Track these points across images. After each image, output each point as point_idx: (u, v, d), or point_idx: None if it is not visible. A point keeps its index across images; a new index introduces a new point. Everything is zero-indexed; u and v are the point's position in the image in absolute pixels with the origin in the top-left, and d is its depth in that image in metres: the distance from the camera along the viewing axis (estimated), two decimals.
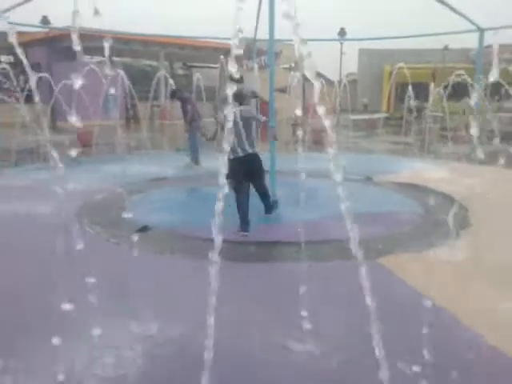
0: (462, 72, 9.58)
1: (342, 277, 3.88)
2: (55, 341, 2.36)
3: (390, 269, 3.93)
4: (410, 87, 10.89)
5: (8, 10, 8.69)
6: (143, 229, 4.85)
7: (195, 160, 9.08)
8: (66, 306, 2.80)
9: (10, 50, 22.39)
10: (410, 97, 10.86)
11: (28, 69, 2.23)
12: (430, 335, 2.58)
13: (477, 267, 3.94)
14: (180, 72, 31.37)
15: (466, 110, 12.30)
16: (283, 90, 15.19)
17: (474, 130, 2.06)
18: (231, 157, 4.82)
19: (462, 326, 2.97)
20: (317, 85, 1.53)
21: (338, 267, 4.09)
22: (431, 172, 8.51)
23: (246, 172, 5.07)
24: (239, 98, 5.16)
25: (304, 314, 2.80)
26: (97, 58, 22.29)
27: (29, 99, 9.39)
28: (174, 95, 9.73)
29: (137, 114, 12.64)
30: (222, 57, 12.90)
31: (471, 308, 3.21)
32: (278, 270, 4.10)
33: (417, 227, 5.36)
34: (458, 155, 9.90)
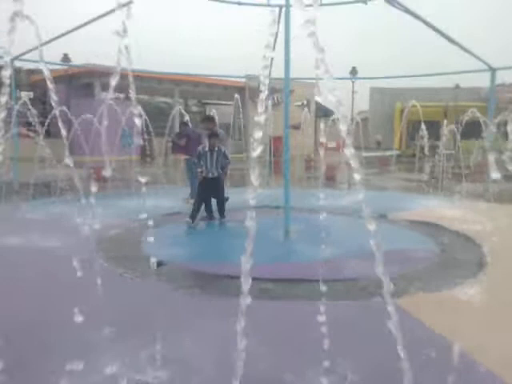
0: (474, 110, 9.65)
1: (358, 316, 3.82)
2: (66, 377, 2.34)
3: (406, 309, 3.85)
4: (422, 125, 10.97)
5: (31, 50, 9.07)
6: (158, 264, 4.85)
7: (192, 194, 8.88)
8: (80, 340, 2.79)
9: (30, 87, 23.08)
10: (422, 135, 10.92)
11: (53, 103, 2.32)
12: (447, 377, 2.51)
13: (495, 308, 3.86)
14: (194, 109, 32.01)
15: (479, 149, 12.32)
16: (296, 127, 15.43)
17: (490, 169, 2.06)
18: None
19: (482, 368, 2.89)
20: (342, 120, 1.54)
21: (353, 306, 4.04)
22: (445, 210, 8.46)
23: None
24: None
25: (320, 354, 2.75)
26: (114, 95, 22.84)
27: (47, 134, 9.63)
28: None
29: (152, 150, 12.88)
30: (236, 95, 13.18)
31: (491, 350, 3.13)
32: (292, 307, 4.04)
33: (432, 266, 5.28)
34: (471, 193, 9.85)
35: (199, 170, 7.38)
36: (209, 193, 7.43)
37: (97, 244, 5.76)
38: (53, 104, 2.33)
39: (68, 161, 2.13)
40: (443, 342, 3.18)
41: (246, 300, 2.00)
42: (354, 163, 1.65)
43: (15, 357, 2.77)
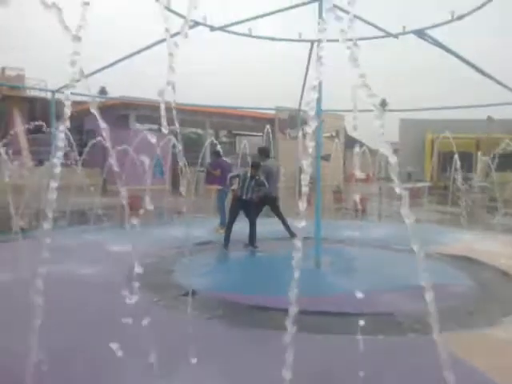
0: (510, 142, 9.48)
1: (398, 353, 3.72)
2: None
3: (450, 348, 3.75)
4: (456, 157, 10.83)
5: (70, 84, 9.48)
6: (191, 293, 4.88)
7: (223, 223, 9.06)
8: (116, 368, 2.81)
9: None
10: (456, 167, 10.76)
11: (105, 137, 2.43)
12: None
13: None
14: (224, 139, 32.54)
15: None
16: (325, 158, 15.48)
17: None
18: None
19: None
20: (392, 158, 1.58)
21: (391, 343, 3.95)
22: (481, 244, 8.23)
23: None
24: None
25: None
26: (147, 126, 23.54)
27: (84, 164, 9.92)
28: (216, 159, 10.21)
29: (184, 179, 13.14)
30: (267, 126, 13.38)
31: None
32: (324, 342, 3.98)
33: (471, 302, 5.12)
34: (507, 227, 9.59)
35: (232, 187, 8.17)
36: (240, 212, 7.96)
37: (131, 272, 5.85)
38: (106, 144, 2.43)
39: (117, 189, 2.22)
40: (486, 381, 3.08)
41: (283, 333, 2.00)
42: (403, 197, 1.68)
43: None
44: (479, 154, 12.03)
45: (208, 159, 19.24)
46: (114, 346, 2.60)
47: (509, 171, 14.47)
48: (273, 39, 9.72)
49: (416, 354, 3.58)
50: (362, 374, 2.62)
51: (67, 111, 2.13)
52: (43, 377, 2.36)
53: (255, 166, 8.01)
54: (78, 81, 2.37)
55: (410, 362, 3.47)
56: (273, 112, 24.25)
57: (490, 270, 6.48)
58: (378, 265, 6.79)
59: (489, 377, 3.17)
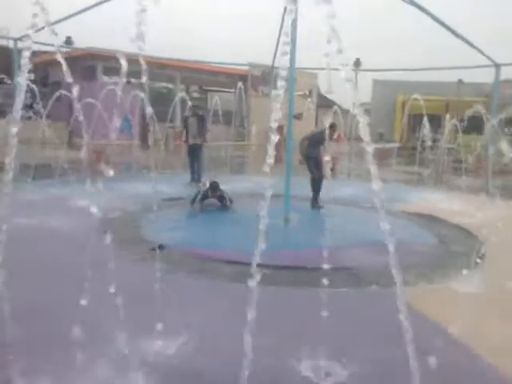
0: (479, 105, 9.61)
1: (358, 305, 3.87)
2: (76, 354, 2.39)
3: (406, 299, 3.90)
4: (425, 118, 10.96)
5: (33, 31, 8.98)
6: (159, 247, 4.88)
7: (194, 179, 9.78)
8: (86, 322, 2.82)
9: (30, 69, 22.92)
10: (424, 128, 10.91)
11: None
12: (446, 368, 2.56)
13: (494, 299, 3.91)
14: (195, 95, 31.86)
15: (480, 143, 12.36)
16: (297, 117, 15.41)
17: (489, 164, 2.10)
18: None
19: (483, 360, 2.93)
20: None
21: (353, 295, 4.09)
22: (444, 203, 8.48)
23: None
24: None
25: (320, 342, 2.80)
26: (115, 79, 22.74)
27: (49, 117, 9.58)
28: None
29: (147, 135, 12.99)
30: (240, 82, 13.13)
31: (489, 341, 3.18)
32: (289, 294, 4.08)
33: (431, 258, 5.33)
34: (471, 187, 9.88)
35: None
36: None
37: (98, 226, 5.79)
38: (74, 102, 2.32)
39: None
40: (440, 331, 3.24)
41: (248, 284, 2.02)
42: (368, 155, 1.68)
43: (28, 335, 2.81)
44: (447, 116, 12.16)
45: (178, 115, 18.85)
46: (81, 298, 2.60)
47: (474, 134, 14.77)
48: None
49: (374, 305, 3.74)
50: (324, 324, 2.71)
51: (29, 61, 2.00)
52: (9, 331, 2.35)
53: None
54: (42, 29, 2.23)
55: (368, 312, 3.61)
56: (246, 68, 23.81)
57: (453, 228, 6.71)
58: (345, 222, 6.93)
59: (441, 326, 3.33)
